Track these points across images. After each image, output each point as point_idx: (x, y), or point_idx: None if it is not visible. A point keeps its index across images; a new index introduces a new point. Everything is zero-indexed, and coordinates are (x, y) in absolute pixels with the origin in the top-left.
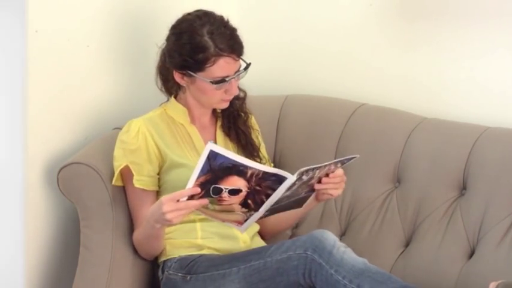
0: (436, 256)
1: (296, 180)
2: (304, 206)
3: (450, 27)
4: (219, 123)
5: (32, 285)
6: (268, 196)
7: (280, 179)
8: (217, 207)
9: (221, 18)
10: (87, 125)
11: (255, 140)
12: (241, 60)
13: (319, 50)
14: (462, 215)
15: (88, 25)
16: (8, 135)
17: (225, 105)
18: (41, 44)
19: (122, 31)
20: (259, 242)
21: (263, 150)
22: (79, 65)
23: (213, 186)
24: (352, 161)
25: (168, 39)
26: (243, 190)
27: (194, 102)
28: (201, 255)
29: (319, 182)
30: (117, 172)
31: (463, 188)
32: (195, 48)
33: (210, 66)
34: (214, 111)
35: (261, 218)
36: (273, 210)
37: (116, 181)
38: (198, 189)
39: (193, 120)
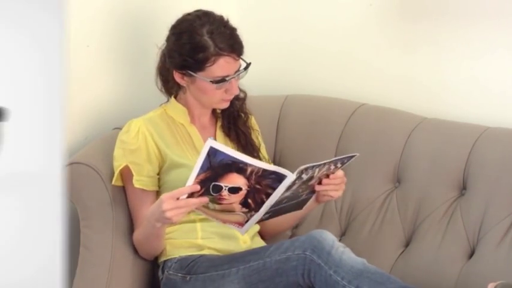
0: (436, 256)
1: (296, 179)
2: (304, 207)
3: (450, 27)
4: (219, 124)
5: None
6: (268, 195)
7: (280, 177)
8: (217, 206)
9: (221, 18)
10: (87, 125)
11: (255, 140)
12: (241, 60)
13: (319, 50)
14: (462, 215)
15: (88, 25)
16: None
17: (226, 105)
18: None
19: (122, 31)
20: (260, 242)
21: (263, 151)
22: (79, 65)
23: (213, 183)
24: (352, 160)
25: (168, 39)
26: (243, 188)
27: (194, 102)
28: (201, 256)
29: (320, 183)
30: (117, 172)
31: (463, 188)
32: (195, 47)
33: (210, 65)
34: (214, 111)
35: (262, 220)
36: (273, 213)
37: (116, 181)
38: (198, 187)
39: (193, 120)
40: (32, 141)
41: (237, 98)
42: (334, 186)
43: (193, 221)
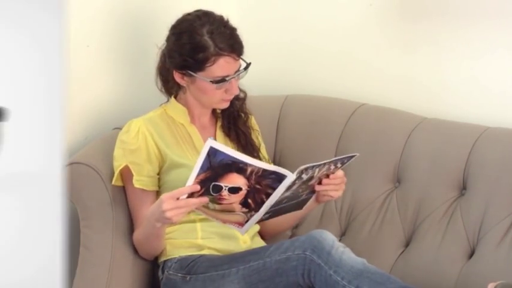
0: (436, 256)
1: (296, 179)
2: (304, 207)
3: (450, 27)
4: (219, 124)
5: None
6: (268, 195)
7: (280, 177)
8: (217, 206)
9: (221, 18)
10: (87, 125)
11: (255, 140)
12: (241, 60)
13: (319, 50)
14: (462, 215)
15: (88, 25)
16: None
17: (226, 105)
18: None
19: (122, 31)
20: (260, 242)
21: (263, 151)
22: (79, 65)
23: (213, 183)
24: (352, 160)
25: (168, 39)
26: (243, 188)
27: (194, 102)
28: (201, 256)
29: (320, 183)
30: (117, 172)
31: (463, 188)
32: (195, 47)
33: (210, 65)
34: (214, 111)
35: (262, 220)
36: (273, 213)
37: (116, 181)
38: (198, 187)
39: (193, 120)
40: (32, 141)
41: (237, 98)
42: (334, 186)
43: (193, 221)
